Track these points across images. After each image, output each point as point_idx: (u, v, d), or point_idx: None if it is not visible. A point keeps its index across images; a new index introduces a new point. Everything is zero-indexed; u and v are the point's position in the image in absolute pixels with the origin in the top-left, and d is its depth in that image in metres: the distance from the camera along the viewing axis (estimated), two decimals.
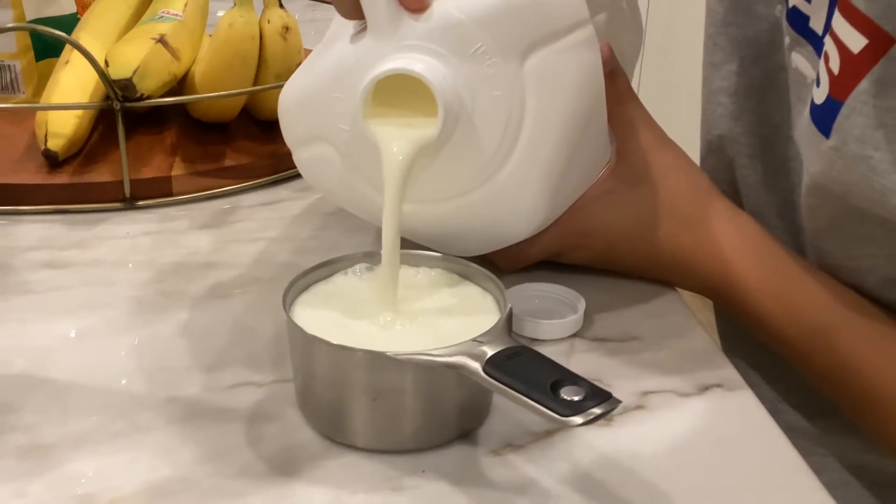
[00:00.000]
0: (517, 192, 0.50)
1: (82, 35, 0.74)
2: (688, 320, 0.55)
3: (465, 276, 0.49)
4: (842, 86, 0.47)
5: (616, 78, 0.54)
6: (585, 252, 0.57)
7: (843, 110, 0.47)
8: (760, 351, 0.58)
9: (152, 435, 0.45)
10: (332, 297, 0.47)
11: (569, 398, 0.38)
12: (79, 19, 0.79)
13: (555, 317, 0.53)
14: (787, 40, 0.57)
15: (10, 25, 0.73)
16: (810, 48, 0.54)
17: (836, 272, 0.54)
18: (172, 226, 0.65)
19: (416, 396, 0.43)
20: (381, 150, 0.46)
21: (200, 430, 0.45)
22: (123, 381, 0.48)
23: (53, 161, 0.68)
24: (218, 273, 0.59)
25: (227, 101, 0.72)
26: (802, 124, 0.52)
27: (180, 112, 0.76)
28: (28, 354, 0.50)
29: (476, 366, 0.40)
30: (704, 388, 0.49)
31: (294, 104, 0.52)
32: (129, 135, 0.67)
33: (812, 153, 0.51)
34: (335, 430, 0.44)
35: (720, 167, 0.66)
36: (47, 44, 0.79)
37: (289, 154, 0.74)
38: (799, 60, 0.55)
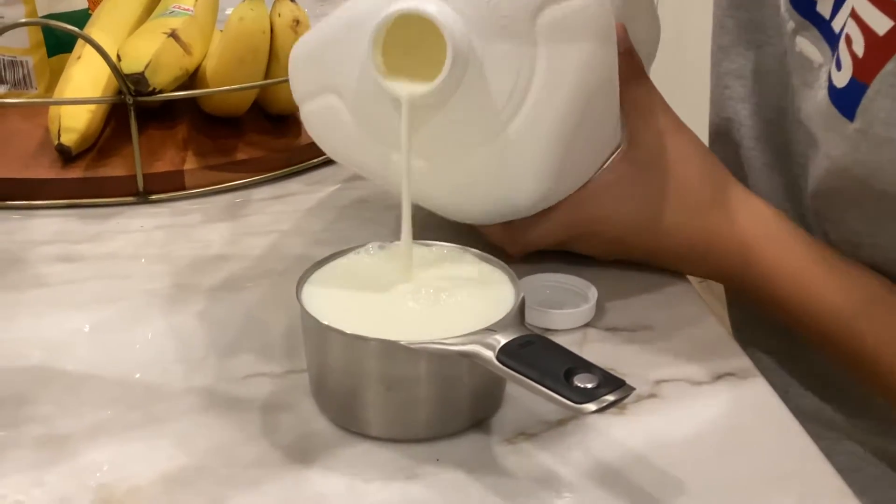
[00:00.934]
0: (523, 152, 0.50)
1: (94, 30, 0.74)
2: (700, 309, 0.55)
3: (482, 260, 0.49)
4: (867, 68, 0.47)
5: (630, 58, 0.53)
6: (596, 241, 0.56)
7: (869, 93, 0.47)
8: (771, 339, 0.58)
9: (168, 425, 0.45)
10: (345, 276, 0.47)
11: (582, 385, 0.38)
12: (90, 15, 0.79)
13: (567, 307, 0.53)
14: (790, 24, 0.56)
15: (22, 21, 0.73)
16: (816, 32, 0.54)
17: (854, 250, 0.54)
18: (185, 219, 0.65)
19: (430, 385, 0.43)
20: (390, 95, 0.46)
21: (216, 420, 0.45)
22: (138, 373, 0.49)
23: (67, 156, 0.68)
24: (231, 266, 0.59)
25: (239, 95, 0.72)
26: (817, 107, 0.52)
27: (192, 106, 0.77)
28: (43, 347, 0.51)
29: (489, 354, 0.40)
30: (717, 377, 0.49)
31: (305, 55, 0.53)
32: (141, 129, 0.67)
33: (833, 136, 0.51)
34: (349, 420, 0.44)
35: (727, 151, 0.66)
36: (59, 40, 0.79)
37: (301, 148, 0.74)
38: (804, 44, 0.55)
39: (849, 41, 0.48)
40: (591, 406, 0.37)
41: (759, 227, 0.55)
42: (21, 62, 0.79)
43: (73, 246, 0.62)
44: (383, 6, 0.46)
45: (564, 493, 0.41)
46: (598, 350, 0.51)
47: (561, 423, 0.45)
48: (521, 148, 0.49)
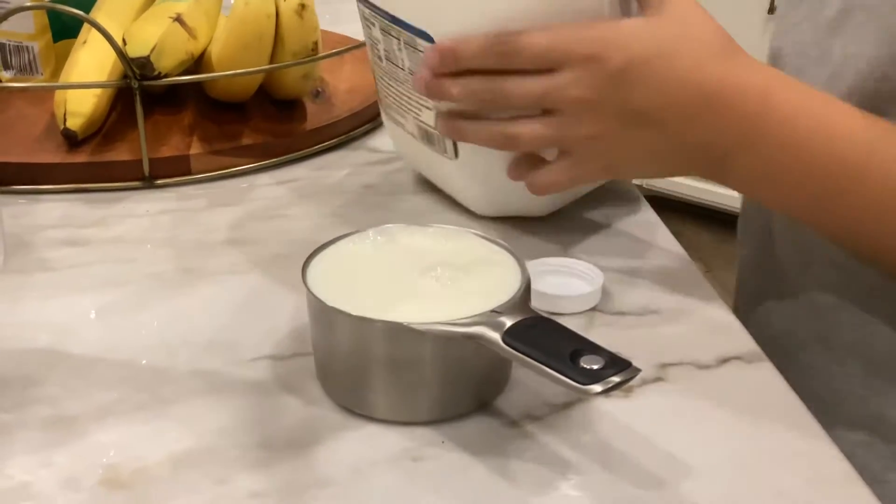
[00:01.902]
0: None
1: (100, 15, 0.74)
2: (707, 293, 0.55)
3: (487, 242, 0.49)
4: None
5: None
6: (598, 80, 0.50)
7: None
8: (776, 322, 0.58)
9: (174, 407, 0.45)
10: (350, 259, 0.47)
11: (588, 367, 0.38)
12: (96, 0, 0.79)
13: (573, 291, 0.53)
14: None
15: (28, 4, 0.73)
16: None
17: None
18: (191, 204, 0.65)
19: (436, 367, 0.43)
20: None
21: (222, 403, 0.45)
22: (145, 356, 0.49)
23: (73, 140, 0.68)
24: (237, 250, 0.59)
25: (244, 80, 0.72)
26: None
27: (197, 91, 0.77)
28: (50, 330, 0.51)
29: (495, 336, 0.40)
30: (724, 361, 0.49)
31: None
32: (146, 114, 0.67)
33: None
34: (355, 402, 0.44)
35: None
36: (65, 24, 0.79)
37: (307, 133, 0.74)
38: None
39: None
40: (597, 387, 0.37)
41: (778, 76, 0.52)
42: (27, 47, 0.79)
43: (78, 230, 0.62)
44: None
45: (570, 476, 0.41)
46: (604, 334, 0.51)
47: (566, 405, 0.45)
48: None
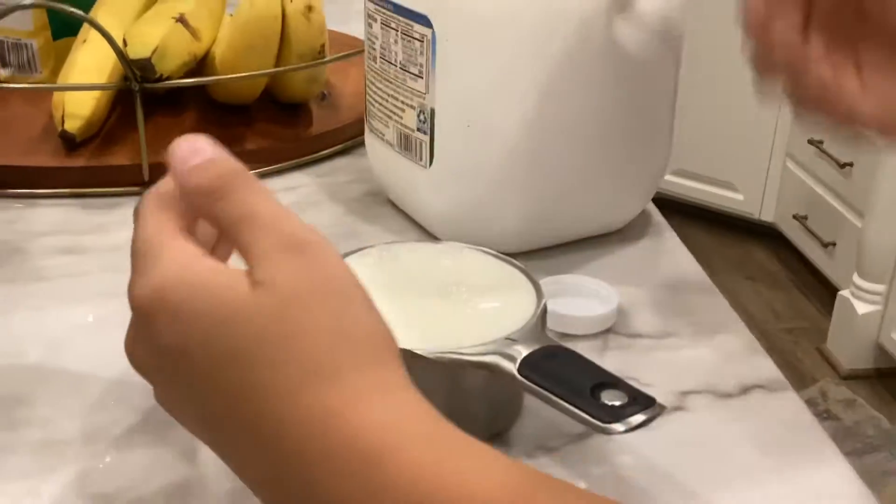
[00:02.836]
0: None
1: (100, 13, 0.72)
2: (727, 315, 0.53)
3: (501, 261, 0.47)
4: None
5: None
6: None
7: None
8: None
9: (171, 431, 0.43)
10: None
11: (609, 403, 0.36)
12: None
13: (587, 311, 0.51)
14: None
15: (27, 2, 0.71)
16: None
17: None
18: None
19: (445, 396, 0.41)
20: None
21: None
22: None
23: (70, 143, 0.66)
24: (240, 260, 0.57)
25: (249, 82, 0.70)
26: None
27: (200, 94, 0.74)
28: (43, 343, 0.49)
29: (510, 366, 0.38)
30: (746, 389, 0.47)
31: None
32: (147, 117, 0.65)
33: None
34: None
35: None
36: (65, 22, 0.77)
37: (311, 138, 0.72)
38: None
39: None
40: (620, 427, 0.35)
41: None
42: (25, 45, 0.77)
43: (76, 237, 0.60)
44: None
45: None
46: (619, 358, 0.49)
47: (581, 437, 0.43)
48: None
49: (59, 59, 0.76)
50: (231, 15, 0.74)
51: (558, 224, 0.58)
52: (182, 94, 0.75)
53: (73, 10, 0.63)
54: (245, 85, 0.71)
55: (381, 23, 0.57)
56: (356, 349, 0.30)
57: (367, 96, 0.61)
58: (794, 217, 2.24)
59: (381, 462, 0.29)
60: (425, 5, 0.53)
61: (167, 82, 0.66)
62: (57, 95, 0.67)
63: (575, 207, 0.57)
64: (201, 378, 0.31)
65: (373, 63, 0.59)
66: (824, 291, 2.12)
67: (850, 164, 2.03)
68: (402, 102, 0.57)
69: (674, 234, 0.61)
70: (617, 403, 0.36)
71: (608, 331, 0.51)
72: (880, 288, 1.84)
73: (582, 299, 0.52)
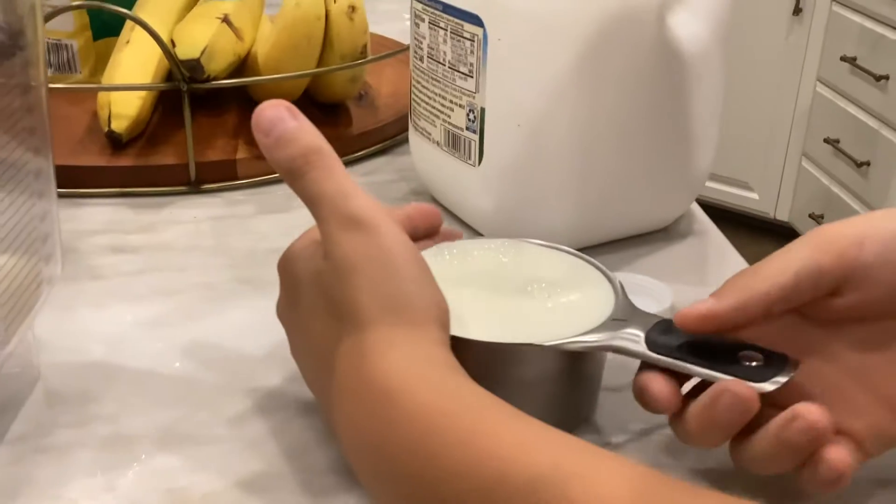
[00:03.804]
0: None
1: (143, 14, 0.72)
2: None
3: (566, 253, 0.47)
4: None
5: None
6: None
7: None
8: None
9: (238, 427, 0.44)
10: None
11: (755, 365, 0.37)
12: None
13: (643, 308, 0.51)
14: None
15: (74, 3, 0.72)
16: None
17: None
18: (239, 210, 0.64)
19: (553, 385, 0.42)
20: None
21: (286, 423, 0.44)
22: (202, 371, 0.47)
23: (117, 143, 0.67)
24: None
25: (291, 83, 0.71)
26: None
27: (240, 93, 0.75)
28: (105, 341, 0.49)
29: (639, 347, 0.39)
30: None
31: None
32: (191, 117, 0.66)
33: None
34: None
35: None
36: (105, 23, 0.78)
37: (353, 137, 0.73)
38: None
39: None
40: (769, 386, 0.36)
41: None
42: (66, 45, 0.77)
43: (125, 236, 0.60)
44: None
45: None
46: None
47: (644, 432, 0.43)
48: None
49: (99, 60, 0.76)
50: (268, 15, 0.75)
51: (605, 223, 0.58)
52: (223, 93, 0.75)
53: (121, 9, 0.64)
54: (287, 85, 0.71)
55: (430, 22, 0.57)
56: (393, 310, 0.37)
57: (413, 96, 0.62)
58: (811, 216, 2.24)
59: (392, 399, 0.35)
60: (476, 4, 0.54)
61: (214, 83, 0.66)
62: (102, 96, 0.67)
63: (623, 206, 0.58)
64: (304, 315, 0.41)
65: (419, 62, 0.60)
66: None
67: (868, 163, 2.03)
68: (451, 102, 0.57)
69: (719, 232, 0.62)
70: (754, 364, 0.37)
71: None
72: None
73: (635, 297, 0.52)
